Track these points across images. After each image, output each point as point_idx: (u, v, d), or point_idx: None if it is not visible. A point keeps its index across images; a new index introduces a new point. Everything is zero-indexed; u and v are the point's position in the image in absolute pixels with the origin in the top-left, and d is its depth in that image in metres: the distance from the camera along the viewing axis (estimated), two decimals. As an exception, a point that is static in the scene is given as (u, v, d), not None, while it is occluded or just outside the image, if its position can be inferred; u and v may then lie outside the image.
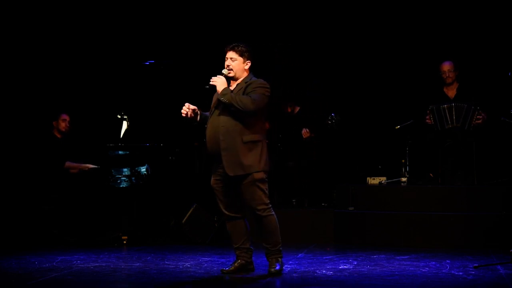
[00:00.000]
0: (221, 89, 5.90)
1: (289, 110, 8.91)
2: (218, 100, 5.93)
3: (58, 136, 8.76)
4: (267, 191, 5.99)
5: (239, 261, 6.15)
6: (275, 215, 6.02)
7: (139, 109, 9.10)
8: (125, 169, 8.37)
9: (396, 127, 8.87)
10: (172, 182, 8.63)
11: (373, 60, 9.71)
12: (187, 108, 5.96)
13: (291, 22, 9.74)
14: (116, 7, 9.67)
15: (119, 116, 8.61)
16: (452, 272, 6.16)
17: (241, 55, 6.00)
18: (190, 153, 8.61)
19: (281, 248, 6.09)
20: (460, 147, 8.56)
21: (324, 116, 8.58)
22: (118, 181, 8.35)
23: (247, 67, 6.04)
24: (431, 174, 8.66)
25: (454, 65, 8.71)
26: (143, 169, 8.44)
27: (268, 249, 6.08)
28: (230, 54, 6.01)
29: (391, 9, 9.57)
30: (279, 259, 6.07)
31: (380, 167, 9.37)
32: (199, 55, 9.04)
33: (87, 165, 8.60)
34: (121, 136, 8.58)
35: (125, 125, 8.59)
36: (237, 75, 6.02)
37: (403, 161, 8.64)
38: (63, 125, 8.74)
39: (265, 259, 6.15)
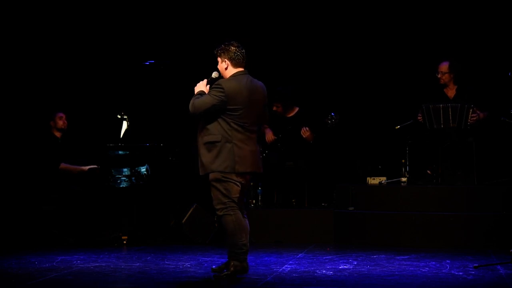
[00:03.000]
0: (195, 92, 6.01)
1: (274, 109, 8.84)
2: None
3: (58, 135, 8.74)
4: (227, 191, 5.83)
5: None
6: (236, 215, 5.83)
7: (139, 109, 9.09)
8: (125, 169, 8.37)
9: (396, 127, 8.86)
10: (172, 182, 8.63)
11: (373, 60, 9.69)
12: None
13: (291, 21, 9.73)
14: (116, 7, 9.66)
15: (119, 116, 8.60)
16: (452, 272, 6.16)
17: (218, 56, 5.98)
18: (190, 153, 8.59)
19: (239, 251, 5.85)
20: (459, 147, 8.55)
21: (323, 116, 8.56)
22: (118, 181, 8.35)
23: (225, 65, 5.94)
24: (428, 171, 8.65)
25: (450, 66, 8.65)
26: (143, 169, 8.43)
27: (228, 250, 5.94)
28: None
29: (392, 8, 9.55)
30: (233, 263, 5.85)
31: (380, 167, 9.37)
32: (199, 55, 9.01)
33: (83, 167, 8.56)
34: (121, 136, 8.58)
35: (125, 125, 8.58)
36: (224, 77, 5.98)
37: (403, 161, 8.63)
38: (60, 123, 8.71)
39: (266, 258, 6.14)
